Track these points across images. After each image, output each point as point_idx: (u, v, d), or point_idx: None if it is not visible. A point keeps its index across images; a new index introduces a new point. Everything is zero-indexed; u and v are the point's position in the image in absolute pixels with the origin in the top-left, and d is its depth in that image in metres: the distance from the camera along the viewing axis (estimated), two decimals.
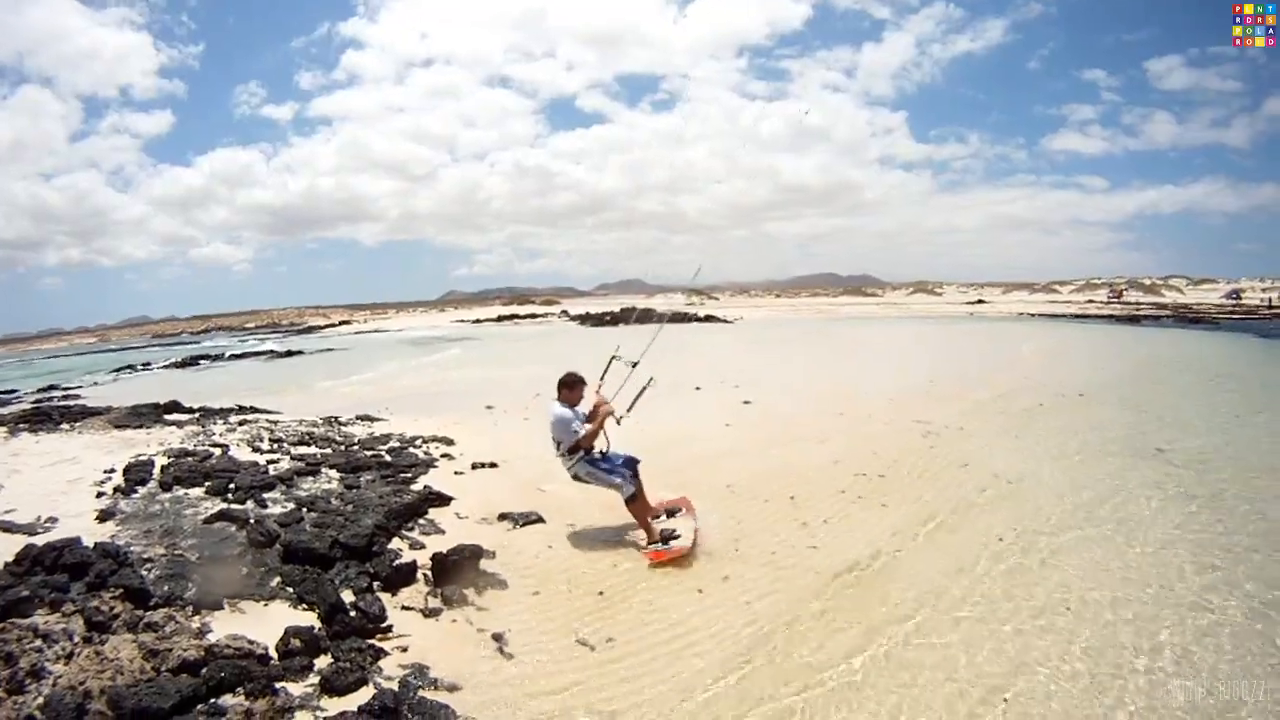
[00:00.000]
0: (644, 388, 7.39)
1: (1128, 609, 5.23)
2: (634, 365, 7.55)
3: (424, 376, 24.24)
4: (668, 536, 6.94)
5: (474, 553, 6.03)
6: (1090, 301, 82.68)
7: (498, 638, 4.97)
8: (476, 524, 7.37)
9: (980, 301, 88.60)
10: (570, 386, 7.17)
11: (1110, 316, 56.83)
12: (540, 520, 7.48)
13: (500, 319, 78.07)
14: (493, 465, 9.67)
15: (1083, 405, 13.42)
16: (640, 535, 6.97)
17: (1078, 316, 57.93)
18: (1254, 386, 16.80)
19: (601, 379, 7.53)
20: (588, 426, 7.03)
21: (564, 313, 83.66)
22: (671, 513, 7.52)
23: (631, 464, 7.13)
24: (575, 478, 7.20)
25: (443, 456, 10.15)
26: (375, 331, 60.94)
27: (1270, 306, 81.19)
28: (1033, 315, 59.88)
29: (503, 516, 7.53)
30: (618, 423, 7.09)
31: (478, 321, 75.36)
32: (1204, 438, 10.54)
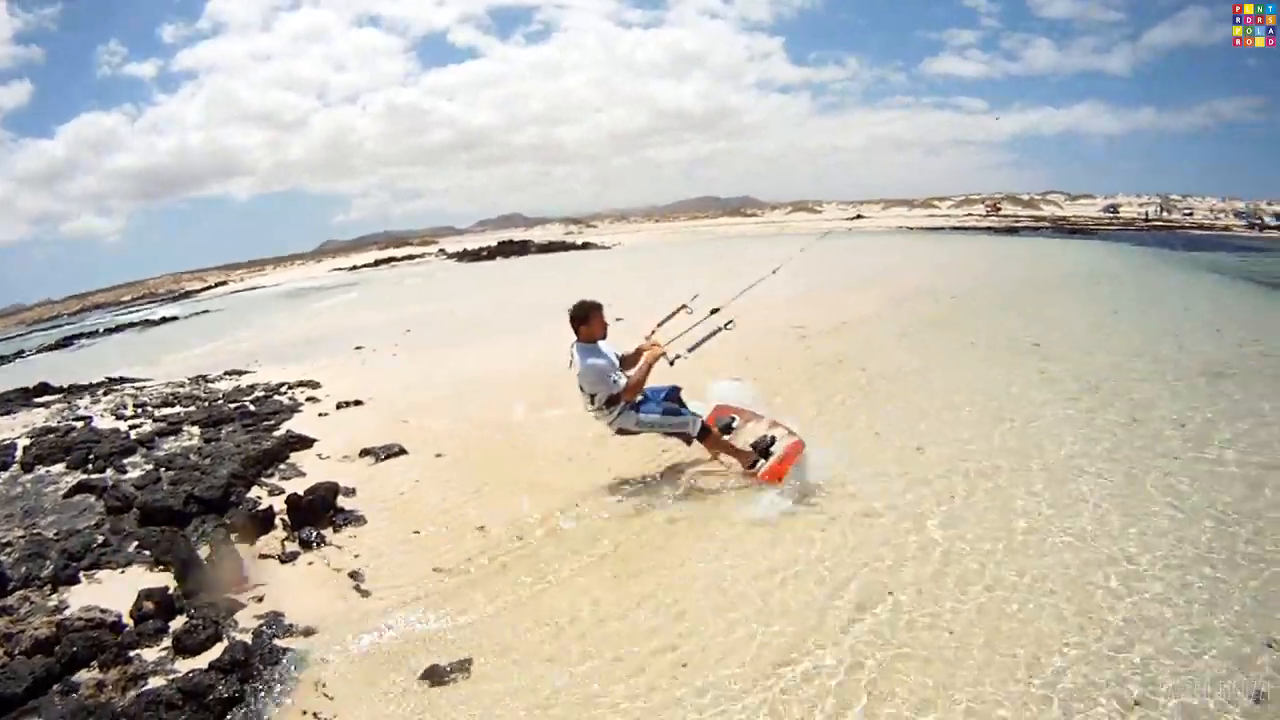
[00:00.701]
0: (719, 328, 6.33)
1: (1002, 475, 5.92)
2: (713, 312, 6.49)
3: (296, 327, 23.86)
4: (765, 447, 6.10)
5: (330, 491, 6.06)
6: (969, 215, 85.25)
7: (355, 575, 5.02)
8: (339, 463, 7.38)
9: (859, 217, 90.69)
10: (586, 319, 6.03)
11: (989, 229, 59.03)
12: (403, 452, 7.49)
13: (377, 263, 76.82)
14: (358, 403, 9.74)
15: (958, 307, 14.42)
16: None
17: (956, 229, 60.00)
18: (1129, 285, 18.98)
19: (660, 325, 6.52)
20: (629, 374, 6.00)
21: (441, 251, 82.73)
22: (727, 427, 6.56)
23: (675, 394, 6.23)
24: (621, 431, 6.20)
25: (308, 400, 10.19)
26: (251, 289, 59.15)
27: (1147, 219, 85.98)
28: (911, 229, 61.67)
29: (364, 452, 7.52)
30: (670, 363, 6.06)
31: (354, 268, 73.84)
32: (1079, 333, 11.55)
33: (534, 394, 8.90)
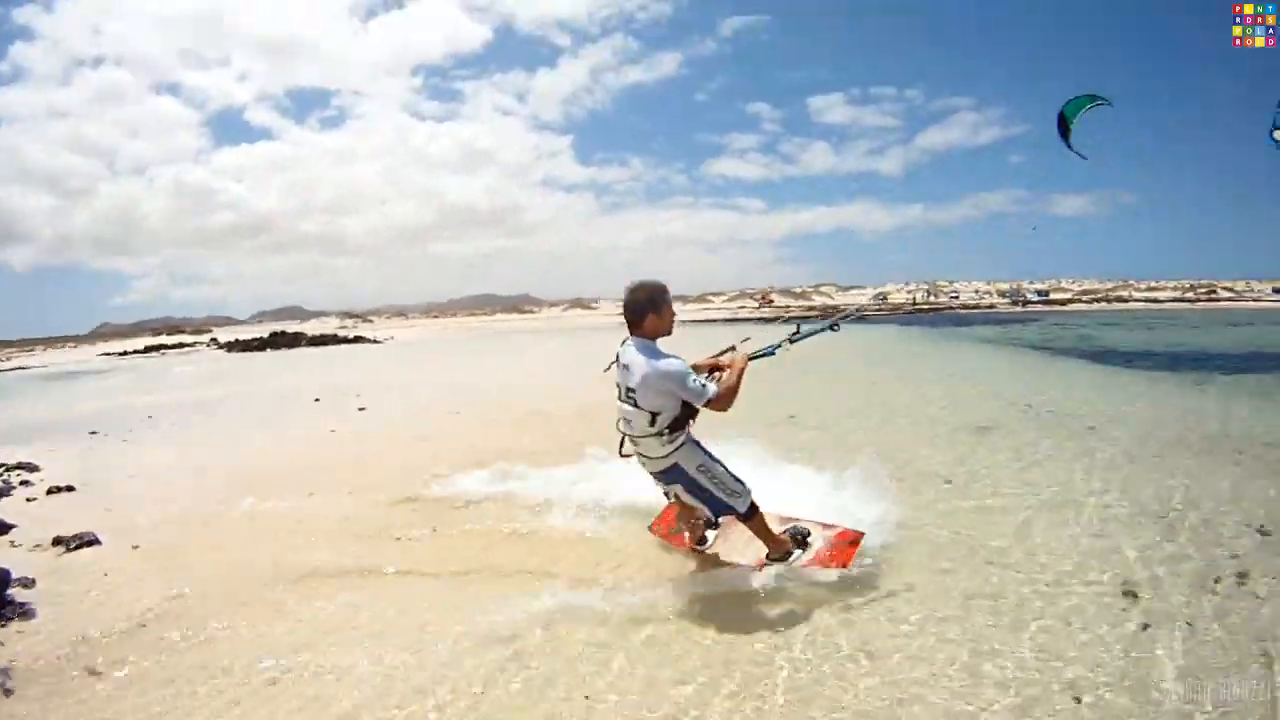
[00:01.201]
0: (823, 328, 5.82)
1: None
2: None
3: (36, 409, 21.82)
4: (801, 536, 5.33)
5: None
6: (741, 308, 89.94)
7: (3, 672, 4.52)
8: (29, 551, 6.60)
9: None
10: (655, 305, 4.76)
11: (760, 319, 62.38)
12: (97, 542, 6.75)
13: (148, 349, 72.02)
14: (70, 489, 8.93)
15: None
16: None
17: (729, 320, 62.98)
18: (877, 358, 22.95)
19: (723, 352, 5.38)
20: (716, 380, 4.83)
21: (213, 340, 79.18)
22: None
23: None
24: (670, 478, 4.90)
25: (21, 483, 9.39)
26: (15, 369, 53.76)
27: (914, 303, 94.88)
28: (684, 322, 64.26)
29: (57, 541, 6.77)
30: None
31: (124, 354, 68.85)
32: (837, 403, 13.00)
33: (261, 486, 8.48)
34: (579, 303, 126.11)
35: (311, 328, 77.17)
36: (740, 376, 4.77)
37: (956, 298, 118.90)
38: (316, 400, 16.28)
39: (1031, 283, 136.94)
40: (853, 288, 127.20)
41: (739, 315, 73.28)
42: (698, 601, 4.87)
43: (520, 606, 4.78)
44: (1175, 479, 7.36)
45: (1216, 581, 4.86)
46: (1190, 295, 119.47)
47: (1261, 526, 5.88)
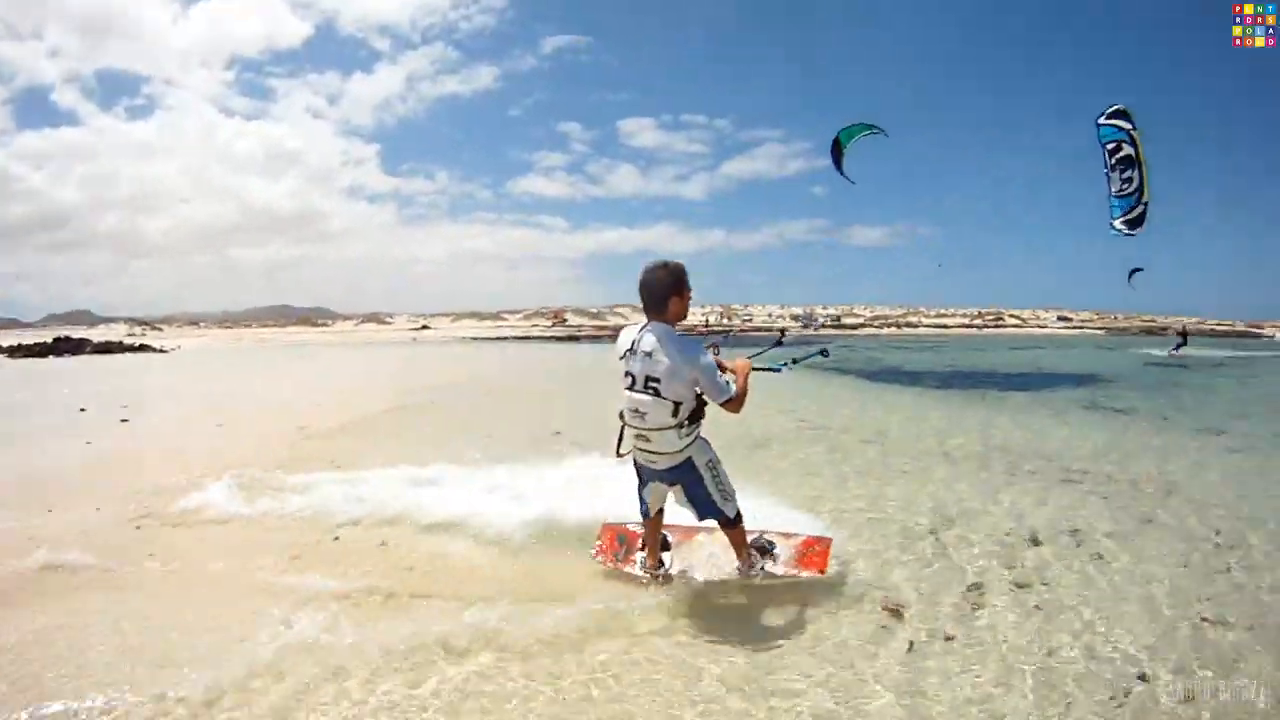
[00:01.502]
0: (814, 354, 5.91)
1: None
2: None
3: None
4: (766, 547, 5.27)
5: None
6: (534, 326, 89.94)
7: None
8: None
9: (425, 328, 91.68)
10: (681, 286, 4.54)
11: (553, 338, 62.59)
12: None
13: None
14: None
15: (487, 403, 16.86)
16: None
17: (521, 338, 62.81)
18: None
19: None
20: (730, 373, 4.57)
21: None
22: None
23: None
24: (676, 475, 4.70)
25: None
26: None
27: (708, 325, 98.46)
28: (474, 339, 63.95)
29: None
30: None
31: None
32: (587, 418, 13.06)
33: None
34: (374, 317, 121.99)
35: (99, 334, 70.91)
36: (747, 380, 4.55)
37: (750, 320, 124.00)
38: (82, 410, 15.04)
39: (825, 308, 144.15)
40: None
41: (531, 334, 72.99)
42: (710, 616, 4.71)
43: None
44: (929, 486, 8.10)
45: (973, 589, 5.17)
46: (979, 321, 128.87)
47: (1009, 531, 6.51)
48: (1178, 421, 13.68)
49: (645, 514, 5.06)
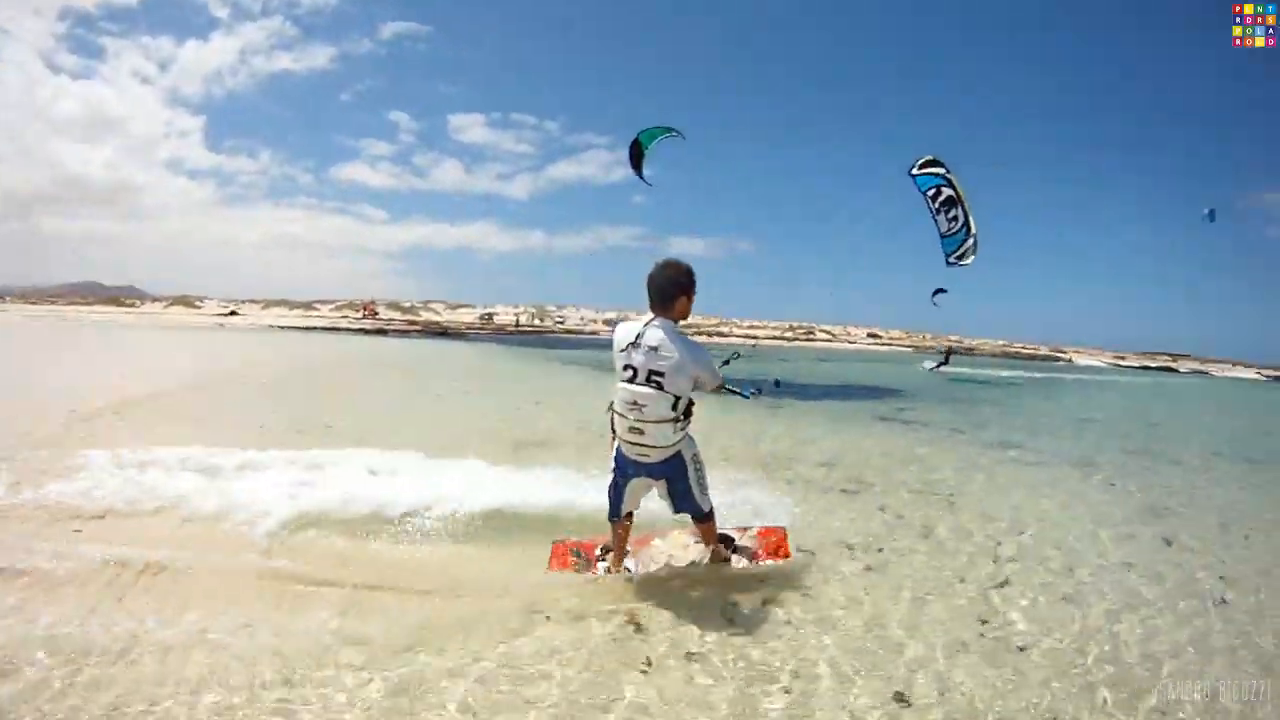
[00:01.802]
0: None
1: None
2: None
3: None
4: (730, 540, 5.51)
5: None
6: (344, 317, 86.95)
7: None
8: None
9: (233, 313, 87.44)
10: (690, 286, 4.70)
11: (362, 330, 60.77)
12: None
13: None
14: None
15: (278, 389, 16.83)
16: None
17: (329, 329, 60.52)
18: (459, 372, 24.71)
19: None
20: None
21: None
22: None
23: None
24: (664, 470, 4.78)
25: None
26: None
27: (518, 325, 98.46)
28: (282, 327, 61.45)
29: None
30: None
31: None
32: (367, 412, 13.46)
33: None
34: (184, 300, 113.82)
35: None
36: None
37: (562, 323, 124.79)
38: None
39: (640, 313, 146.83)
40: (462, 306, 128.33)
41: (340, 325, 70.48)
42: (706, 607, 4.81)
43: None
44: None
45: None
46: (789, 334, 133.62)
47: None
48: (972, 436, 14.68)
49: (615, 515, 5.09)
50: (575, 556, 5.51)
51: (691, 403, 4.65)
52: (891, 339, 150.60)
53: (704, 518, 5.05)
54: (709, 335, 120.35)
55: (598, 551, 5.48)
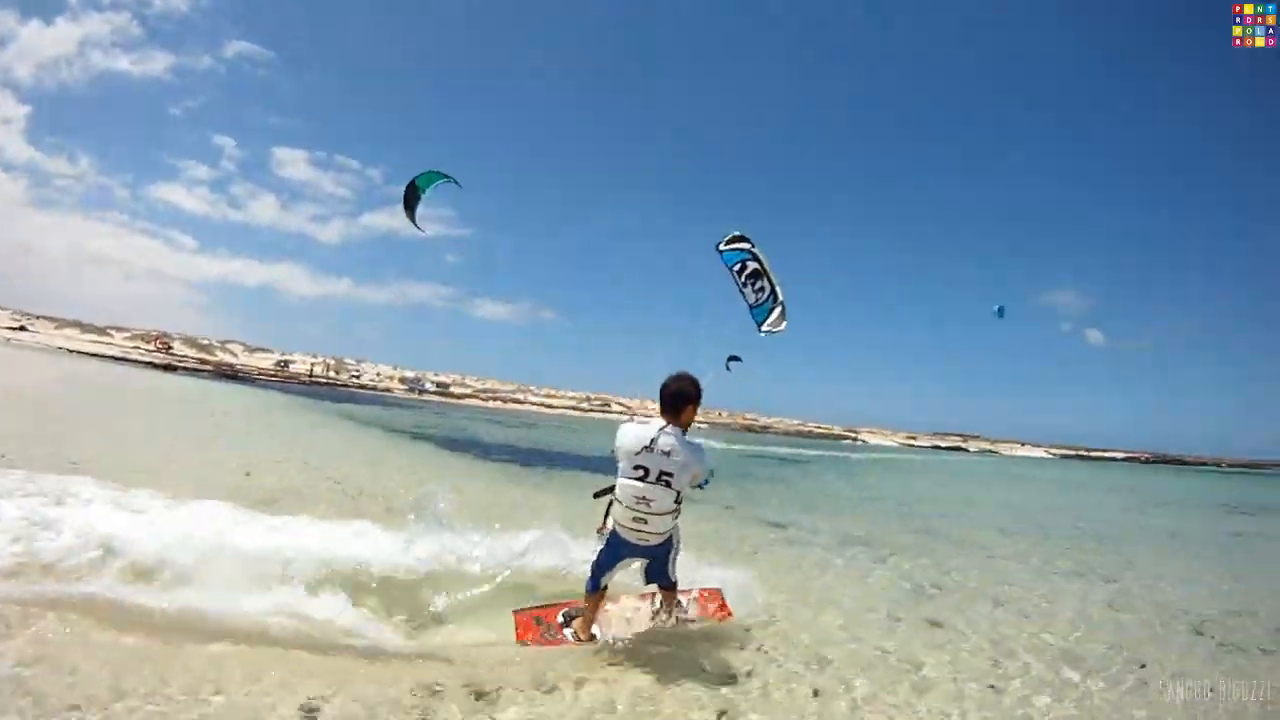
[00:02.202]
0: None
1: None
2: None
3: None
4: (678, 602, 6.22)
5: None
6: (137, 348, 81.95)
7: None
8: None
9: (23, 329, 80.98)
10: (698, 399, 5.44)
11: (151, 364, 57.38)
12: None
13: None
14: None
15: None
16: None
17: (118, 359, 57.14)
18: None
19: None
20: None
21: None
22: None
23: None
24: (655, 551, 5.53)
25: None
26: None
27: (312, 375, 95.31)
28: (71, 350, 57.64)
29: None
30: None
31: None
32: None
33: None
34: None
35: None
36: None
37: (358, 377, 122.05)
38: None
39: (436, 374, 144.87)
40: (260, 350, 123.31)
41: (130, 356, 66.15)
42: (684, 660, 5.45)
43: None
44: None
45: None
46: (585, 405, 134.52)
47: None
48: (740, 511, 14.88)
49: (595, 588, 5.66)
50: (538, 624, 5.90)
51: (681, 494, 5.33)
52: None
53: (671, 586, 5.86)
54: (504, 402, 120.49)
55: (560, 619, 5.98)
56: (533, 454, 27.12)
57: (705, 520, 12.51)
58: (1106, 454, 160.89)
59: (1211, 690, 6.01)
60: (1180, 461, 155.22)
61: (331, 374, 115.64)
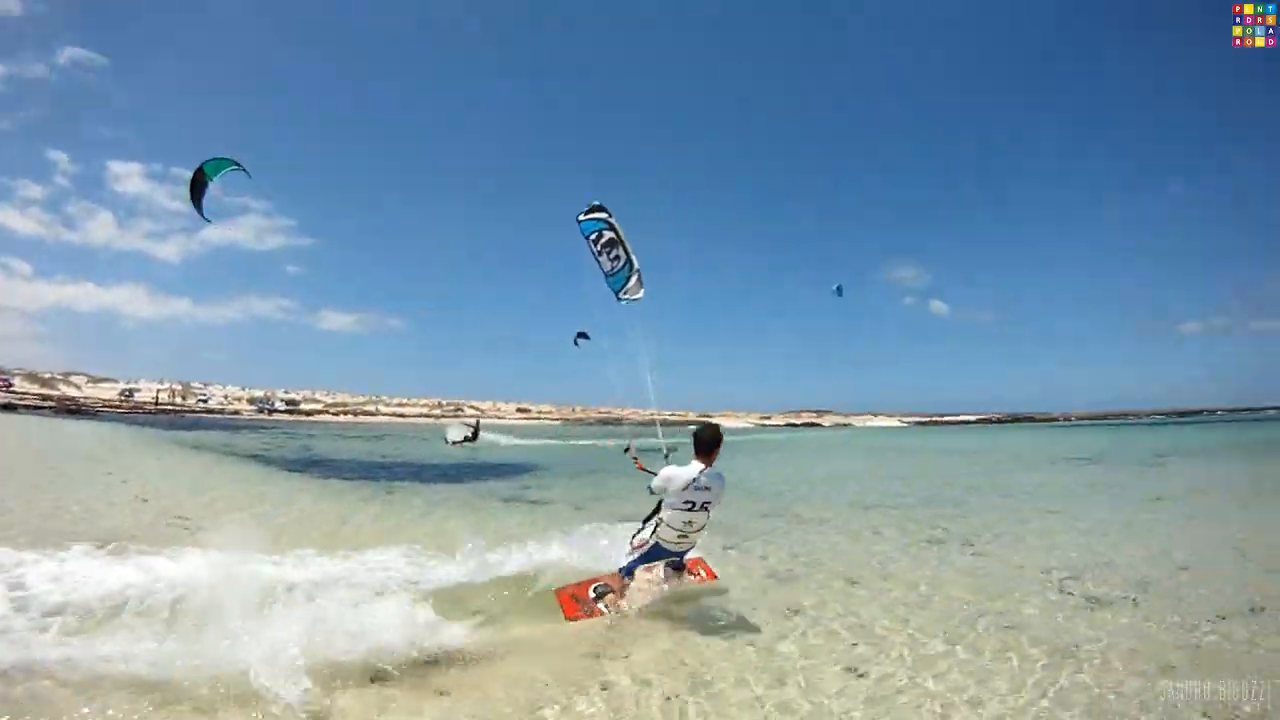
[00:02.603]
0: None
1: None
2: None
3: None
4: (680, 569, 8.17)
5: None
6: None
7: None
8: None
9: None
10: (719, 443, 7.12)
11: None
12: None
13: None
14: None
15: None
16: None
17: None
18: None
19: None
20: None
21: None
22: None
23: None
24: (685, 556, 7.81)
25: None
26: None
27: (157, 403, 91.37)
28: None
29: None
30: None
31: None
32: None
33: None
34: None
35: None
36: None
37: (206, 401, 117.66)
38: None
39: (287, 391, 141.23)
40: (105, 380, 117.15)
41: None
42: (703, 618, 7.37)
43: None
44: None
45: None
46: (438, 412, 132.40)
47: None
48: (591, 510, 14.86)
49: (628, 574, 7.55)
50: (576, 601, 7.56)
51: None
52: (541, 412, 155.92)
53: (682, 568, 8.12)
54: (355, 415, 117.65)
55: (591, 594, 7.68)
56: (378, 468, 27.04)
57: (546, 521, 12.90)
58: (959, 418, 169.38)
59: (1077, 646, 6.31)
60: (1030, 419, 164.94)
61: (178, 400, 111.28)
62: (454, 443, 39.60)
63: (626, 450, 8.61)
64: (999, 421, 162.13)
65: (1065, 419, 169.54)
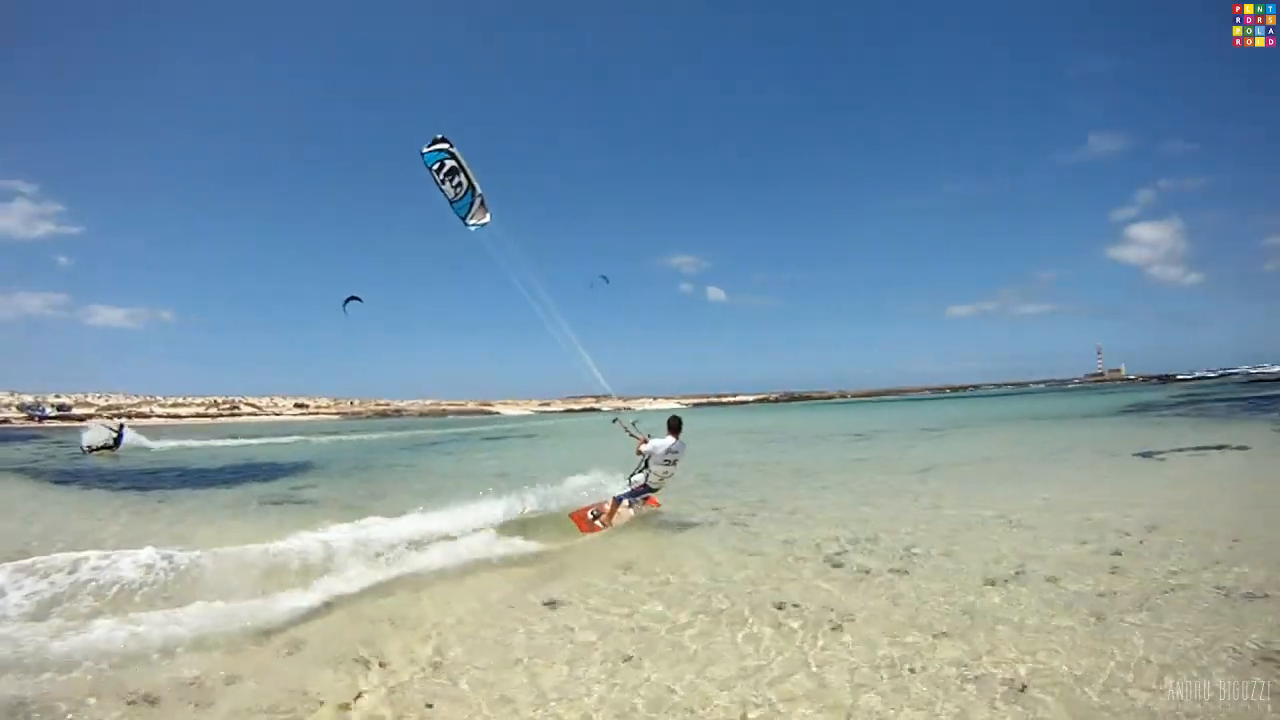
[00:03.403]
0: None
1: None
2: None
3: None
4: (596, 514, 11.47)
5: None
6: None
7: None
8: None
9: None
10: (681, 425, 11.30)
11: None
12: None
13: None
14: None
15: None
16: None
17: None
18: None
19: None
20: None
21: None
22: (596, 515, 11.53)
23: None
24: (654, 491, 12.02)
25: None
26: None
27: None
28: None
29: None
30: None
31: None
32: None
33: None
34: None
35: None
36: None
37: None
38: None
39: (57, 395, 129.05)
40: None
41: None
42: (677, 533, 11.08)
43: None
44: None
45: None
46: (213, 411, 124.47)
47: None
48: (367, 507, 13.69)
49: (620, 502, 11.50)
50: (586, 520, 11.06)
51: None
52: (319, 407, 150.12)
53: (649, 495, 12.12)
54: (130, 416, 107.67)
55: (590, 515, 11.22)
56: (143, 474, 24.61)
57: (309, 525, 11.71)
58: (737, 398, 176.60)
59: (851, 619, 6.49)
60: (808, 397, 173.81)
61: None
62: (93, 449, 33.46)
63: (615, 421, 12.12)
64: (777, 401, 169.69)
65: (842, 396, 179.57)
